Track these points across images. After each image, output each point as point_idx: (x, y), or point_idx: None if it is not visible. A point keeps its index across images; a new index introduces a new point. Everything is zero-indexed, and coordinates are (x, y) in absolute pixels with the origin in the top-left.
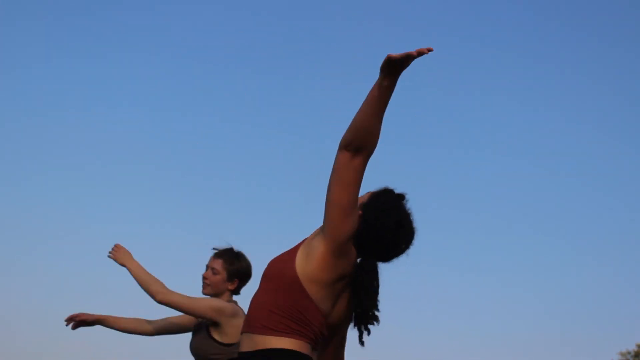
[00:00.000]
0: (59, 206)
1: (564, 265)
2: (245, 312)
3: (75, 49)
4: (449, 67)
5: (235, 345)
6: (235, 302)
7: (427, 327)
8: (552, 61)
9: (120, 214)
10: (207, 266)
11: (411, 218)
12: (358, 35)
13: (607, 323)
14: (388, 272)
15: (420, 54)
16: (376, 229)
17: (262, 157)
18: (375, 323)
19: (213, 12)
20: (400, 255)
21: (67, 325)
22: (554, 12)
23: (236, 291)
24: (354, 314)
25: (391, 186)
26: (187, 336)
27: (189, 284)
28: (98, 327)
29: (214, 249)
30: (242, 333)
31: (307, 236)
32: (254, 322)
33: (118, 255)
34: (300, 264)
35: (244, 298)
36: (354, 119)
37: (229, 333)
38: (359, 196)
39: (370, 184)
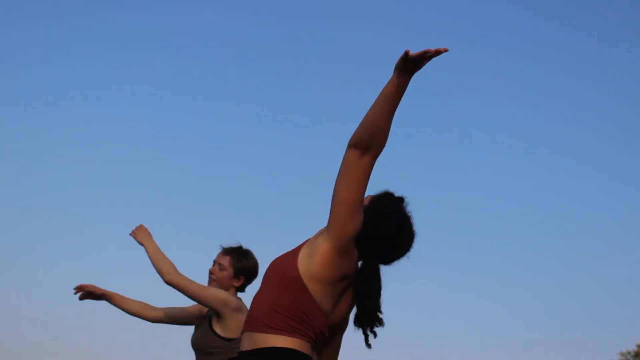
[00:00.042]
0: (59, 206)
1: (564, 265)
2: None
3: (75, 49)
4: (449, 67)
5: (236, 340)
6: (240, 299)
7: (427, 327)
8: (552, 61)
9: (120, 214)
10: (215, 261)
11: (411, 221)
12: (358, 36)
13: (607, 323)
14: (388, 273)
15: (438, 52)
16: (377, 231)
17: (262, 157)
18: (380, 325)
19: (213, 12)
20: (401, 258)
21: (75, 294)
22: (554, 12)
23: (241, 289)
24: (359, 316)
25: (391, 189)
26: (187, 335)
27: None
28: (98, 327)
29: (222, 246)
30: (242, 332)
31: (308, 237)
32: (254, 320)
33: (138, 233)
34: (303, 263)
35: (249, 297)
36: (365, 117)
37: (231, 327)
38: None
39: (371, 184)
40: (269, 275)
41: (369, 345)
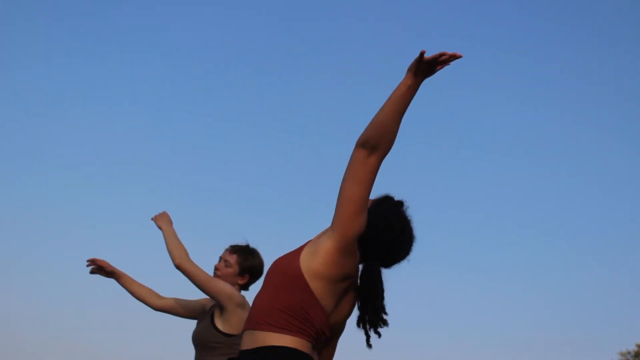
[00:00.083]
0: (59, 206)
1: (564, 265)
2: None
3: (75, 49)
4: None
5: (237, 336)
6: (244, 297)
7: (427, 327)
8: (552, 61)
9: (120, 214)
10: (221, 258)
11: (411, 225)
12: (358, 36)
13: (607, 323)
14: (388, 273)
15: (453, 57)
16: (378, 235)
17: (262, 157)
18: (385, 325)
19: (213, 12)
20: (401, 262)
21: (87, 266)
22: (554, 12)
23: (245, 287)
24: (362, 317)
25: (391, 189)
26: (187, 335)
27: (188, 283)
28: (98, 327)
29: (231, 244)
30: (243, 330)
31: (309, 237)
32: (256, 319)
33: (160, 219)
34: (305, 261)
35: (251, 296)
36: (374, 117)
37: (232, 323)
38: None
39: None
40: (270, 274)
41: (369, 346)
